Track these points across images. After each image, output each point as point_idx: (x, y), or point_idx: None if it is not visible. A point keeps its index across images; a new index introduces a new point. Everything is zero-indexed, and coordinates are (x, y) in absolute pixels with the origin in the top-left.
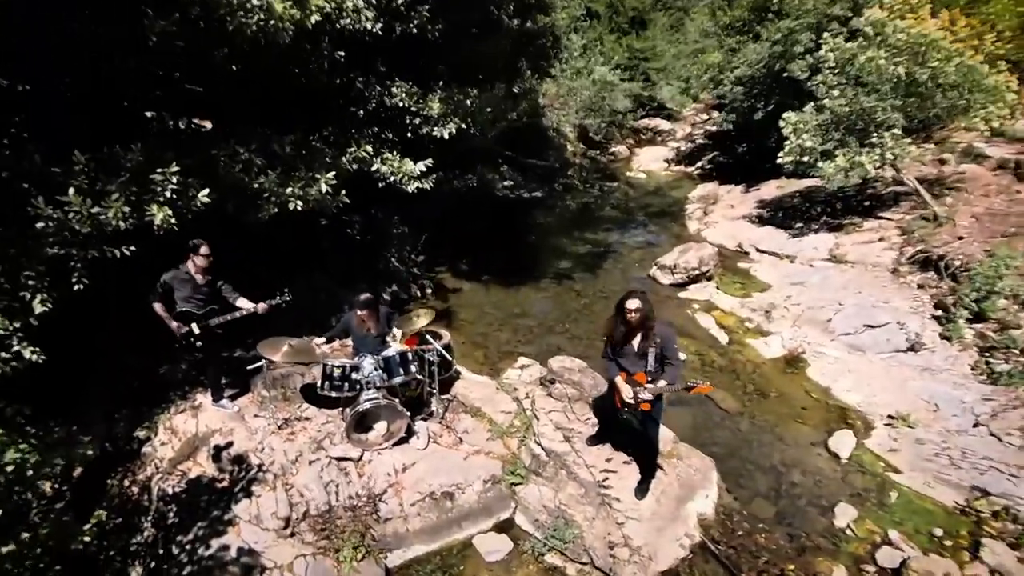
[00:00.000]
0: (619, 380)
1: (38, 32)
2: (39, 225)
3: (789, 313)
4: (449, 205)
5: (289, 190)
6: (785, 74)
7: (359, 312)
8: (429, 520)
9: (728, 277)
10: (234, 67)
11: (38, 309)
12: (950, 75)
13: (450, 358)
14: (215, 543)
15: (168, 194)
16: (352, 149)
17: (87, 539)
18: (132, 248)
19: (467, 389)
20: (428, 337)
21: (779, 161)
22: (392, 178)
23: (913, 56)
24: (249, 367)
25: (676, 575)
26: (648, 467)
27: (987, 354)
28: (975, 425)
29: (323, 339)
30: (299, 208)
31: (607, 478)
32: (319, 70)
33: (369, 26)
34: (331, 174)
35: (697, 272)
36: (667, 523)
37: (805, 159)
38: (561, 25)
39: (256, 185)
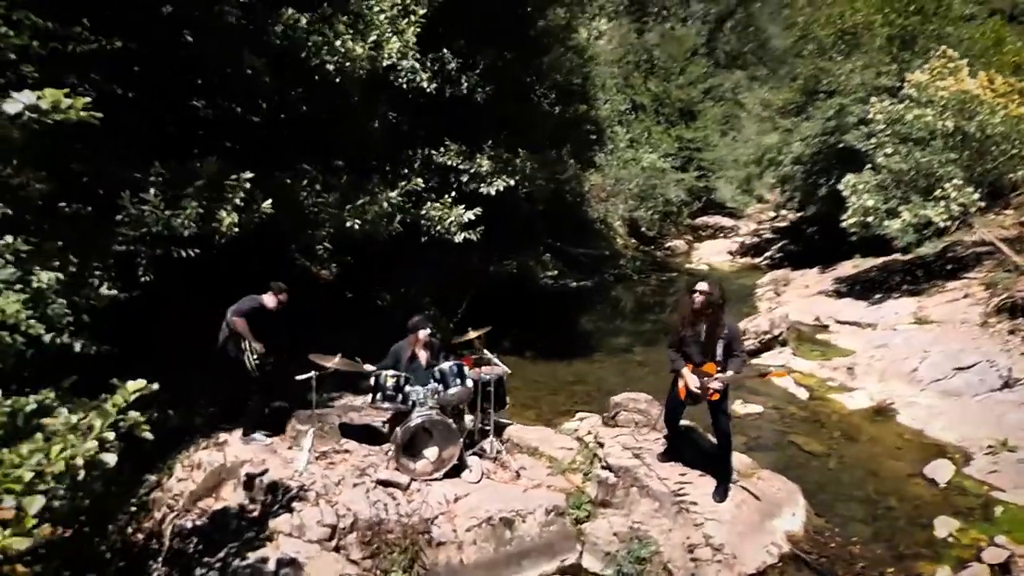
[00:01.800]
0: (685, 371)
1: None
2: (118, 218)
3: (873, 370)
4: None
5: (348, 208)
6: (841, 144)
7: (414, 335)
8: (486, 552)
9: (805, 346)
10: (304, 107)
11: (105, 293)
12: (997, 126)
13: (504, 391)
14: (251, 556)
15: (238, 201)
16: (404, 183)
17: None
18: (197, 250)
19: (521, 433)
20: (487, 353)
21: (843, 225)
22: (439, 227)
23: (959, 112)
24: (298, 377)
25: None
26: (724, 465)
27: None
28: None
29: (371, 366)
30: (356, 227)
31: (682, 488)
32: (376, 119)
33: (424, 86)
34: (395, 192)
35: (769, 336)
36: (750, 530)
37: (869, 219)
38: (605, 117)
39: (314, 205)
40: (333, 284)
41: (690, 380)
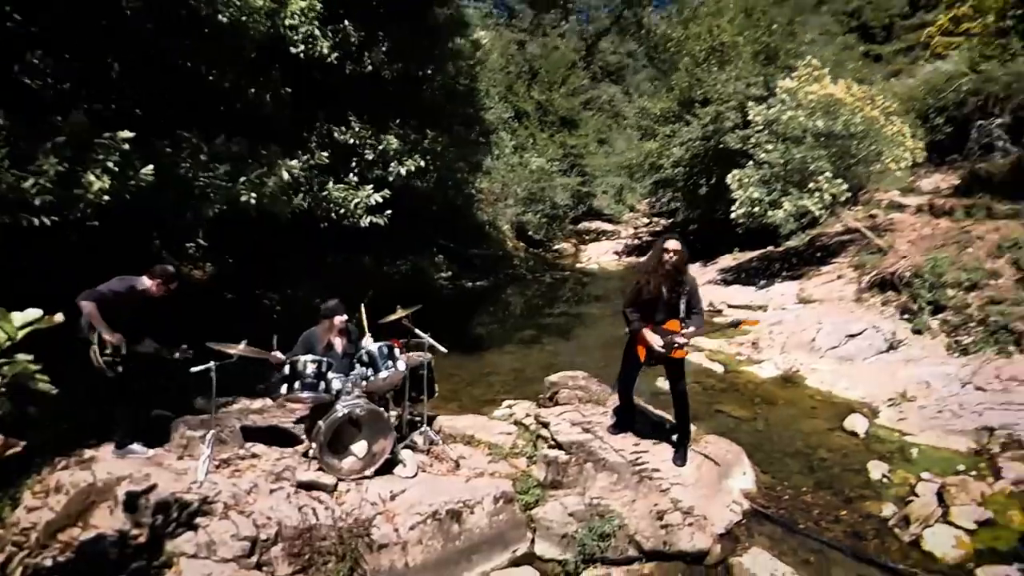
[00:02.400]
0: (646, 331)
1: None
2: None
3: (775, 343)
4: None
5: (242, 181)
6: (721, 146)
7: (329, 320)
8: (433, 550)
9: (707, 327)
10: (190, 63)
11: None
12: (858, 125)
13: (434, 377)
14: None
15: (111, 164)
16: (306, 157)
17: None
18: (54, 219)
19: (452, 422)
20: (420, 333)
21: (732, 216)
22: (343, 210)
23: (826, 113)
24: (194, 369)
25: (735, 538)
26: (683, 428)
27: (953, 334)
28: (963, 386)
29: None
30: (252, 202)
31: (639, 457)
32: (271, 88)
33: (325, 53)
34: (293, 161)
35: None
36: (712, 491)
37: (755, 210)
38: (491, 122)
39: (202, 175)
40: (208, 284)
41: (652, 339)
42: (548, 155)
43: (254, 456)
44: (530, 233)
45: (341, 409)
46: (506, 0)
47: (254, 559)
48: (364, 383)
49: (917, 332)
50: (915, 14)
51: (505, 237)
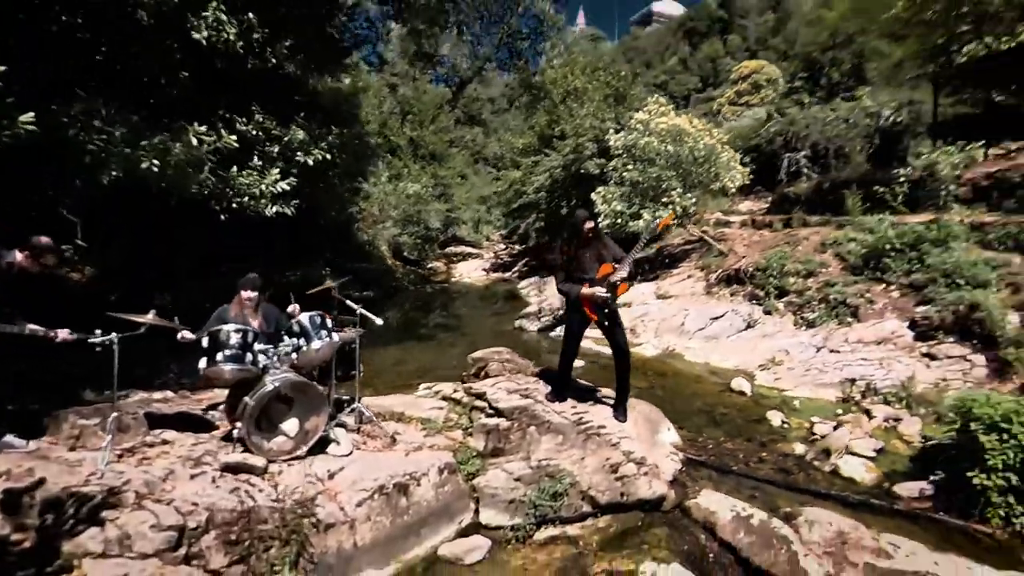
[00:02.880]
0: (584, 288)
1: None
2: None
3: (648, 329)
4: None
5: (143, 145)
6: (582, 171)
7: (242, 294)
8: (382, 526)
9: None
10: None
11: None
12: (701, 151)
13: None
14: None
15: None
16: (211, 138)
17: None
18: None
19: (379, 401)
20: (352, 304)
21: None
22: (247, 197)
23: (674, 140)
24: (92, 340)
25: (682, 484)
26: (623, 383)
27: (799, 312)
28: (818, 350)
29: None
30: (155, 170)
31: (581, 417)
32: (172, 69)
33: (231, 40)
34: (203, 128)
35: (561, 312)
36: (651, 445)
37: (619, 221)
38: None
39: (96, 138)
40: (89, 286)
41: (594, 290)
42: (422, 183)
43: (165, 442)
44: (405, 253)
45: (271, 383)
46: (377, 49)
47: (182, 551)
48: (295, 356)
49: (768, 313)
50: (705, 89)
51: (384, 255)
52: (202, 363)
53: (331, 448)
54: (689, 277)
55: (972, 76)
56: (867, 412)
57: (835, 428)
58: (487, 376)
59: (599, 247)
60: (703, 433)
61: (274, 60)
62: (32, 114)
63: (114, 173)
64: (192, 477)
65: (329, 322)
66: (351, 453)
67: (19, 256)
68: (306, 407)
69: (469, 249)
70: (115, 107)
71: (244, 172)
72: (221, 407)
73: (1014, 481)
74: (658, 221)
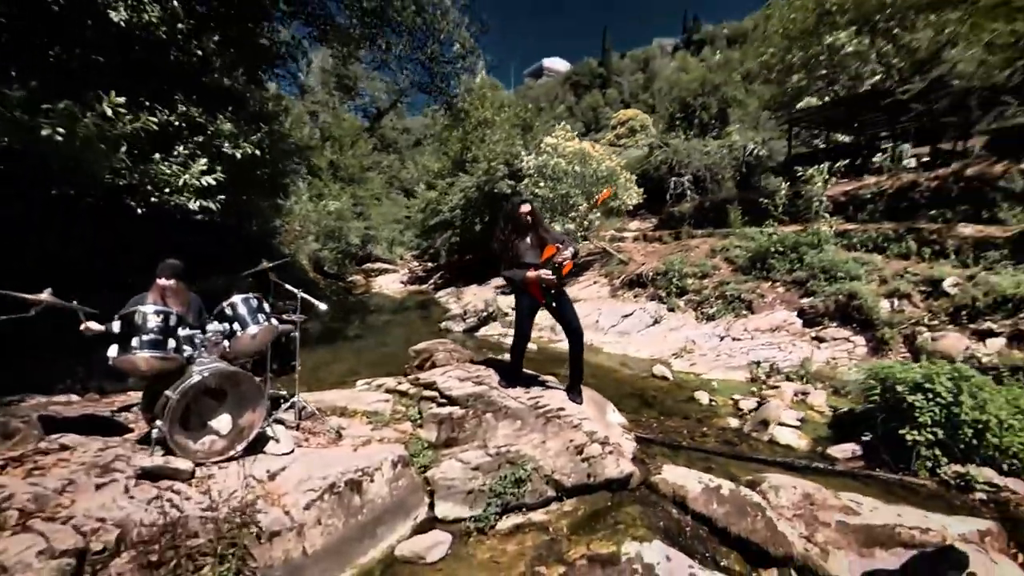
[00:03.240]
0: (531, 272)
1: None
2: None
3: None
4: None
5: (45, 109)
6: (495, 190)
7: (161, 282)
8: (334, 529)
9: (504, 323)
10: None
11: None
12: (603, 171)
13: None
14: None
15: None
16: (129, 118)
17: None
18: None
19: (319, 397)
20: (290, 288)
21: None
22: (167, 190)
23: (580, 161)
24: None
25: (641, 461)
26: (578, 364)
27: (699, 308)
28: (721, 339)
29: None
30: (59, 138)
31: (538, 401)
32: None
33: (154, 22)
34: (121, 99)
35: (485, 313)
36: (607, 426)
37: None
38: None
39: None
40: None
41: (540, 273)
42: (343, 201)
43: (63, 448)
44: (326, 267)
45: (197, 374)
46: (298, 75)
47: None
48: (226, 343)
49: (671, 310)
50: (588, 133)
51: (306, 269)
52: (112, 351)
53: (270, 447)
54: (595, 283)
55: (816, 120)
56: (775, 389)
57: (759, 404)
58: (434, 366)
59: (539, 231)
60: (641, 414)
61: (200, 53)
62: None
63: (5, 140)
64: (98, 488)
65: (266, 306)
66: (293, 451)
67: None
68: (240, 401)
69: (386, 265)
70: (15, 68)
71: (166, 163)
72: (136, 407)
73: (940, 435)
74: (598, 197)
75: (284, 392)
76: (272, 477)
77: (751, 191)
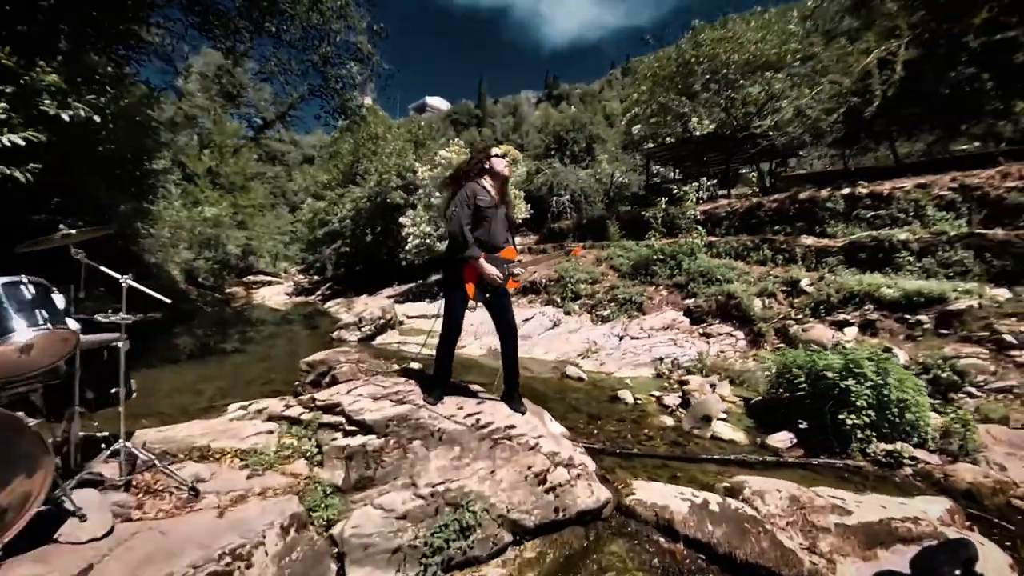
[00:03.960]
0: (482, 260)
1: None
2: None
3: (469, 333)
4: None
5: None
6: (388, 200)
7: None
8: None
9: (402, 331)
10: None
11: None
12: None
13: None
14: None
15: None
16: None
17: None
18: None
19: (168, 434)
20: (110, 272)
21: (406, 250)
22: None
23: None
24: None
25: (604, 478)
26: (514, 368)
27: (593, 311)
28: (620, 339)
29: None
30: None
31: (478, 419)
32: None
33: None
34: None
35: (383, 321)
36: (557, 441)
37: (427, 241)
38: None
39: None
40: None
41: (490, 270)
42: (222, 208)
43: None
44: (200, 278)
45: None
46: (173, 83)
47: None
48: None
49: (568, 314)
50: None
51: (175, 279)
52: None
53: (67, 530)
54: None
55: (669, 155)
56: (684, 384)
57: (682, 400)
58: (335, 382)
59: (508, 208)
60: (573, 420)
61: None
62: None
63: None
64: None
65: (60, 300)
66: (110, 531)
67: None
68: (3, 462)
69: (270, 278)
70: None
71: None
72: None
73: (873, 417)
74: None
75: (104, 433)
76: (85, 572)
77: (618, 212)
